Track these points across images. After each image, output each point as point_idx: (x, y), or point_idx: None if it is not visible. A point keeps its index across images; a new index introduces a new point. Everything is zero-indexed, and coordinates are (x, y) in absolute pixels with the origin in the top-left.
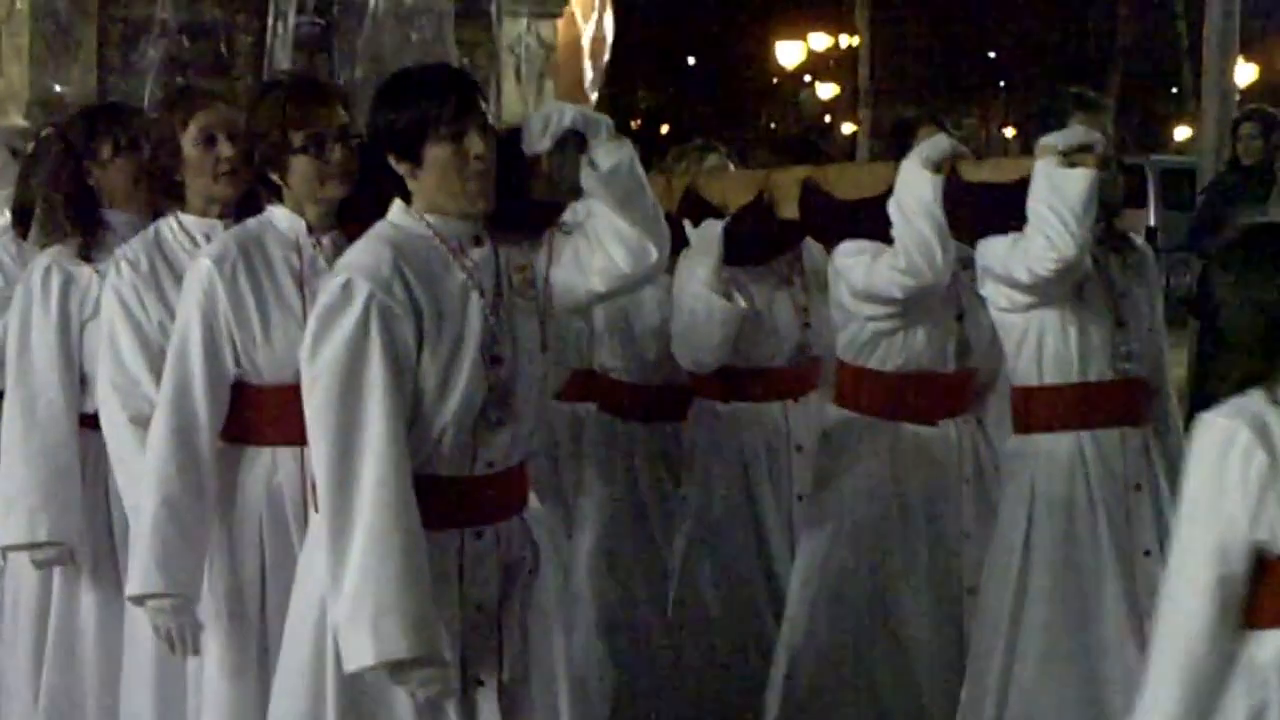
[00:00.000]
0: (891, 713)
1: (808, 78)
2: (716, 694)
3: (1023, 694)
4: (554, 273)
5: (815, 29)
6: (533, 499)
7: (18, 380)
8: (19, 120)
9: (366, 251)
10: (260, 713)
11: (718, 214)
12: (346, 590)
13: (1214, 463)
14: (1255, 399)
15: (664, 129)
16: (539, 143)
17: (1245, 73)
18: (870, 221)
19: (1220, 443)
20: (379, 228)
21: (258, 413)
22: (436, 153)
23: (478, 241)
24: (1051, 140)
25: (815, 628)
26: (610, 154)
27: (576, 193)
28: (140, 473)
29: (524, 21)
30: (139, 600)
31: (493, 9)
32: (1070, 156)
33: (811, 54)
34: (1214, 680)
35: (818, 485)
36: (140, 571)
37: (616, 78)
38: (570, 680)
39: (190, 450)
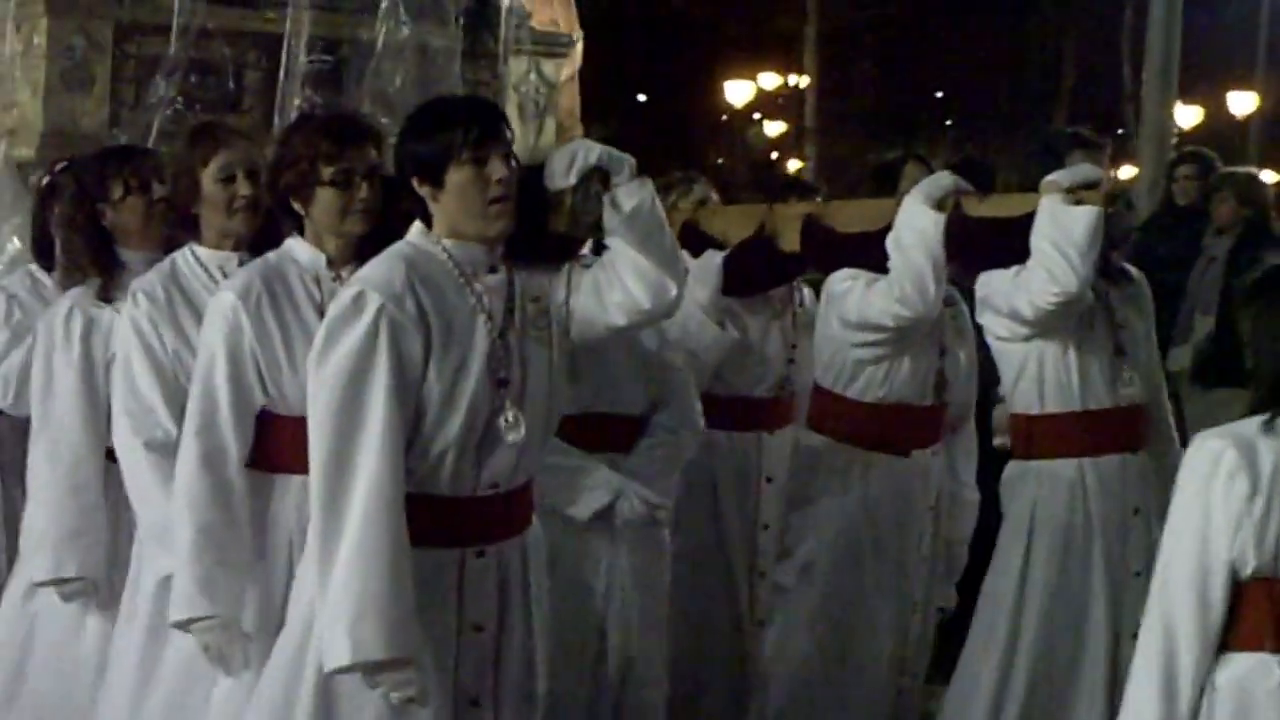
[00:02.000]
0: None
1: (756, 115)
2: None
3: (1020, 709)
4: (573, 304)
5: (765, 68)
6: (535, 521)
7: (43, 423)
8: (33, 152)
9: (381, 266)
10: None
11: (718, 247)
12: (331, 592)
13: (1201, 483)
14: (1249, 425)
15: None
16: (563, 179)
17: (1189, 115)
18: (869, 254)
19: (1208, 463)
20: (396, 247)
21: (287, 442)
22: (458, 177)
23: (492, 269)
24: (1056, 178)
25: (791, 645)
26: (632, 194)
27: (597, 228)
28: (156, 494)
29: (527, 60)
30: (184, 625)
31: (499, 48)
32: (1075, 194)
33: (760, 93)
34: (1190, 708)
35: (791, 508)
36: (184, 598)
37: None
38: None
39: (220, 477)
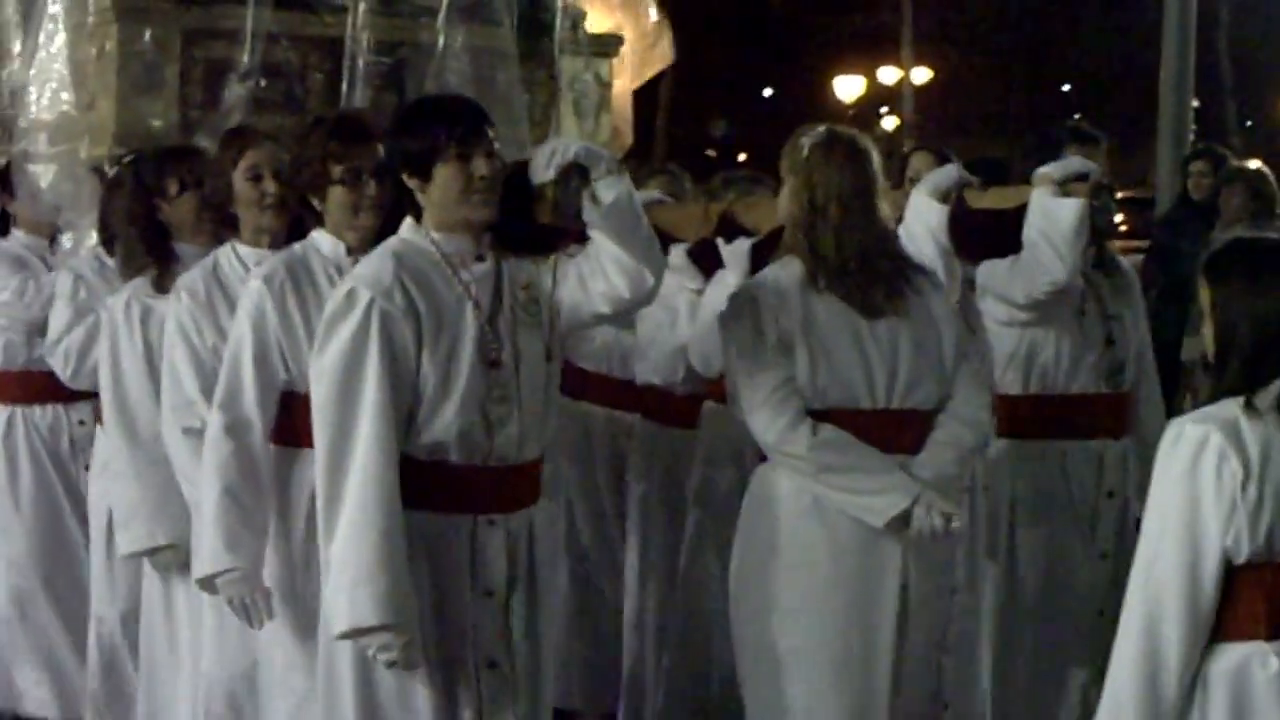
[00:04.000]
0: None
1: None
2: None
3: (1020, 686)
4: (559, 293)
5: (882, 63)
6: (547, 498)
7: (116, 406)
8: (108, 151)
9: (371, 263)
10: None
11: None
12: (332, 564)
13: (1185, 470)
14: (1229, 406)
15: (741, 157)
16: (544, 173)
17: None
18: None
19: (1192, 450)
20: (387, 243)
21: (305, 418)
22: (444, 172)
23: (479, 258)
24: (1047, 170)
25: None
26: (610, 188)
27: (578, 219)
28: (194, 475)
29: (582, 60)
30: (209, 580)
31: (554, 49)
32: (1065, 186)
33: (872, 87)
34: (1179, 696)
35: None
36: (209, 553)
37: (693, 108)
38: (551, 665)
39: (243, 444)
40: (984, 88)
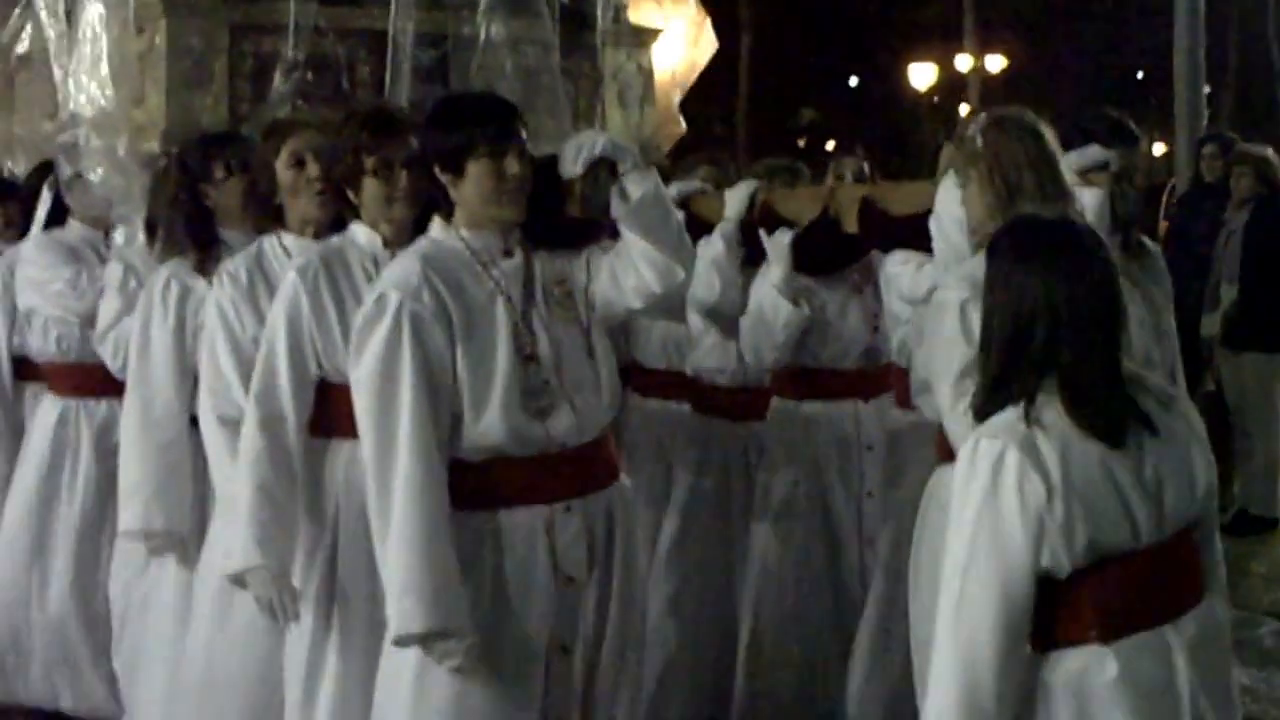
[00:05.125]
0: None
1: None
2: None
3: None
4: (593, 288)
5: (957, 51)
6: (624, 477)
7: (137, 381)
8: (157, 146)
9: (399, 266)
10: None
11: (791, 228)
12: (389, 571)
13: (987, 486)
14: (1015, 417)
15: (829, 145)
16: (572, 168)
17: None
18: (921, 235)
19: (990, 465)
20: (416, 244)
21: (339, 409)
22: (476, 169)
23: (508, 254)
24: (1067, 160)
25: (894, 619)
26: (638, 184)
27: (606, 213)
28: (225, 462)
29: (625, 51)
30: (239, 576)
31: (596, 40)
32: (1086, 175)
33: (942, 75)
34: (997, 712)
35: (886, 484)
36: (240, 550)
37: (781, 96)
38: (638, 650)
39: (277, 440)
40: (1055, 75)
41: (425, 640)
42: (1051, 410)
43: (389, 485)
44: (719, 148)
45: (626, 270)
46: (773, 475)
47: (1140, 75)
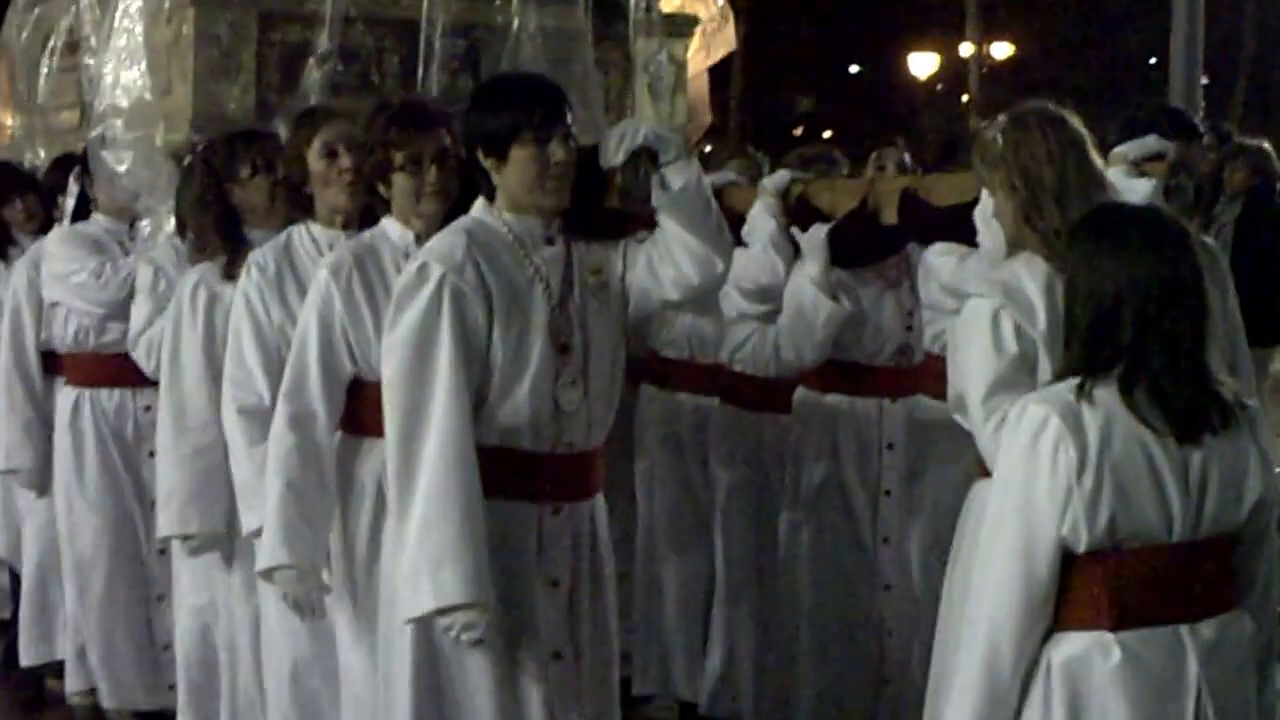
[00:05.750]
0: None
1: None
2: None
3: None
4: (629, 279)
5: (958, 40)
6: (600, 495)
7: (170, 388)
8: (185, 136)
9: (443, 239)
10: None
11: (826, 220)
12: (409, 545)
13: (1026, 448)
14: (1067, 389)
15: (826, 135)
16: (614, 156)
17: None
18: (963, 226)
19: (1033, 429)
20: (459, 221)
21: (373, 406)
22: (520, 153)
23: (549, 241)
24: (1123, 149)
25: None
26: (679, 174)
27: (647, 203)
28: (244, 453)
29: (657, 41)
30: (268, 573)
31: (628, 30)
32: (1141, 165)
33: (943, 64)
34: (1013, 682)
35: (904, 481)
36: (268, 548)
37: (779, 85)
38: (616, 656)
39: (307, 437)
40: (1058, 64)
41: (453, 612)
42: (1106, 388)
43: (416, 452)
44: (714, 137)
45: (664, 262)
46: (799, 467)
47: (1153, 61)
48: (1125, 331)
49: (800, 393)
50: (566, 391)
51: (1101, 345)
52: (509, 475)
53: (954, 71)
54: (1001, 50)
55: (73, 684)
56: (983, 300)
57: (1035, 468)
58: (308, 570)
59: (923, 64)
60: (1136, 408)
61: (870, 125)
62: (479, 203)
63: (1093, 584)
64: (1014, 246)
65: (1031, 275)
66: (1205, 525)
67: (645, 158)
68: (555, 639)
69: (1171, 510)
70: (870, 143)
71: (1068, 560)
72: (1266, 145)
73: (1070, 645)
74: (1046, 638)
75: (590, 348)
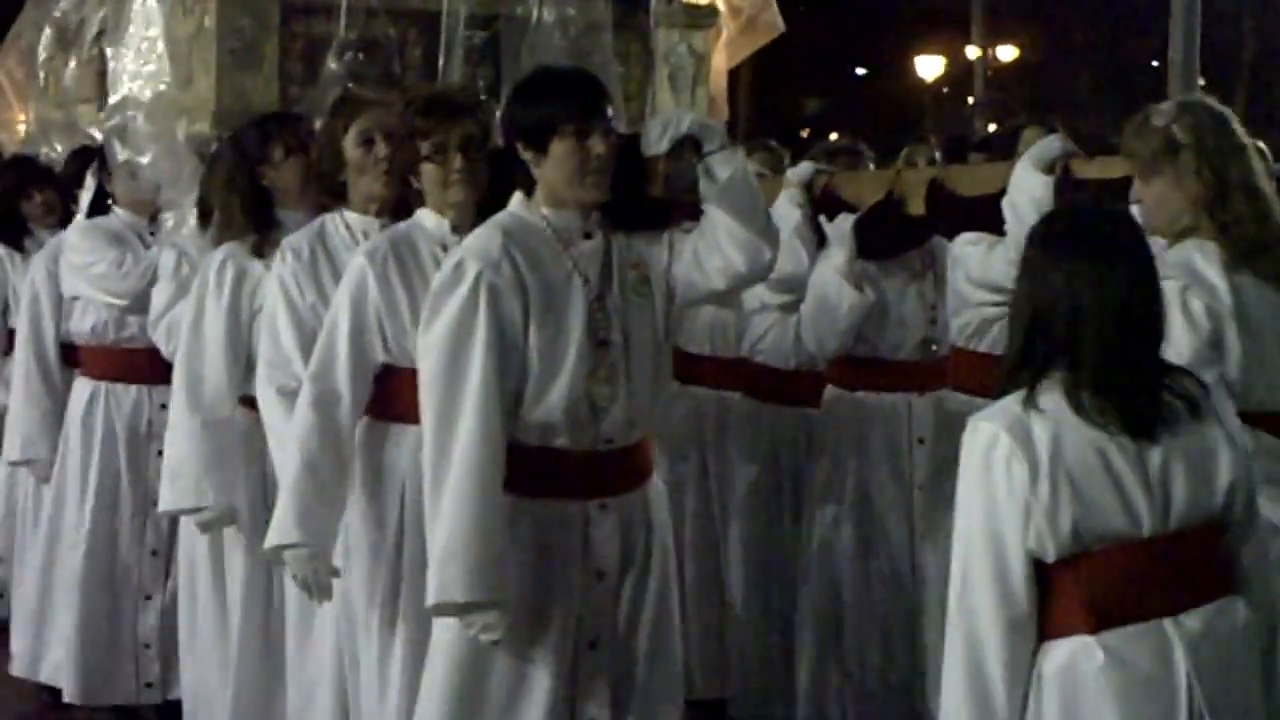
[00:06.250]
0: None
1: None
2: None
3: None
4: (675, 269)
5: (965, 42)
6: (656, 476)
7: (187, 360)
8: (207, 128)
9: (480, 236)
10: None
11: (852, 211)
12: (435, 538)
13: (980, 470)
14: (1014, 401)
15: (832, 136)
16: (657, 145)
17: None
18: (990, 217)
19: (984, 449)
20: (496, 217)
21: (406, 394)
22: (560, 147)
23: (588, 235)
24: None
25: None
26: (726, 163)
27: (691, 192)
28: (285, 437)
29: (677, 33)
30: (277, 551)
31: (649, 21)
32: None
33: (950, 66)
34: (1007, 700)
35: (935, 475)
36: (278, 525)
37: (784, 86)
38: (674, 647)
39: (329, 419)
40: (1064, 66)
41: (466, 610)
42: (1052, 395)
43: (448, 451)
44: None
45: (711, 251)
46: (824, 467)
47: (1155, 64)
48: (1059, 329)
49: (829, 391)
50: (604, 387)
51: (1037, 343)
52: (550, 475)
53: (960, 74)
54: (1007, 53)
55: (18, 667)
56: (1169, 282)
57: (992, 485)
58: (318, 551)
59: (929, 66)
60: (1085, 410)
61: (878, 127)
62: (516, 197)
63: (1069, 590)
64: (1179, 235)
65: (1206, 259)
66: (1177, 517)
67: (689, 146)
68: (594, 629)
69: (1135, 507)
70: (876, 145)
71: (1043, 571)
72: (1261, 145)
73: (1057, 654)
74: (1035, 651)
75: (630, 342)
